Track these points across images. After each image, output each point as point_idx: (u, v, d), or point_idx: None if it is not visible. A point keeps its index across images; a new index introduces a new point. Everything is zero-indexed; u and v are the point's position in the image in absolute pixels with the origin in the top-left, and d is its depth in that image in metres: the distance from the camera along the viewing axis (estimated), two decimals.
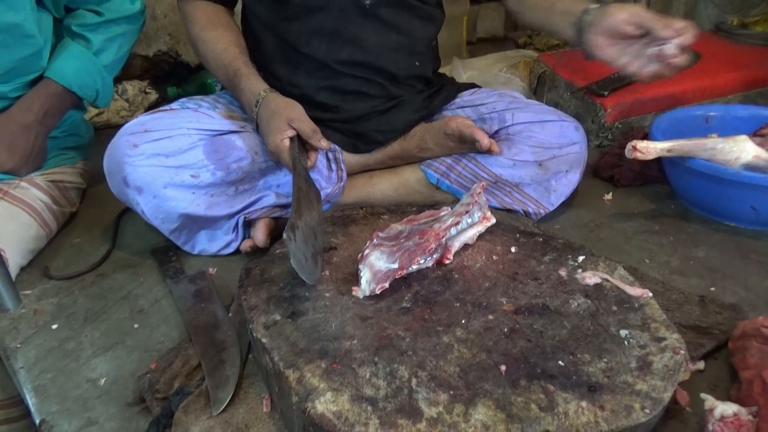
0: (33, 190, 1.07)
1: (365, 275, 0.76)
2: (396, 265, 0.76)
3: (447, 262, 0.82)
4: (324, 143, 0.94)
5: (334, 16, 1.01)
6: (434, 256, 0.81)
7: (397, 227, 0.85)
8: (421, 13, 1.06)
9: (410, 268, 0.79)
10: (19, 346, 0.84)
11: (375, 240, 0.81)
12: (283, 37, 1.04)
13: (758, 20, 1.74)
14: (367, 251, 0.79)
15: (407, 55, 1.08)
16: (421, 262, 0.80)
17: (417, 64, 1.11)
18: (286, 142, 0.92)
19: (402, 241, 0.80)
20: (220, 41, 1.03)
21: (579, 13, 0.98)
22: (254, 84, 0.98)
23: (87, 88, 1.11)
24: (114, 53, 1.15)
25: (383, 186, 1.11)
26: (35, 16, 1.04)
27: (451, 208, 0.89)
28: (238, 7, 1.13)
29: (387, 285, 0.76)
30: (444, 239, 0.81)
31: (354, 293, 0.76)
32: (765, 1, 1.72)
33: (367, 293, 0.75)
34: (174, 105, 1.02)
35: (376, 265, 0.76)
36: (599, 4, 0.97)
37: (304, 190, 0.86)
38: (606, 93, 1.45)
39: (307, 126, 0.93)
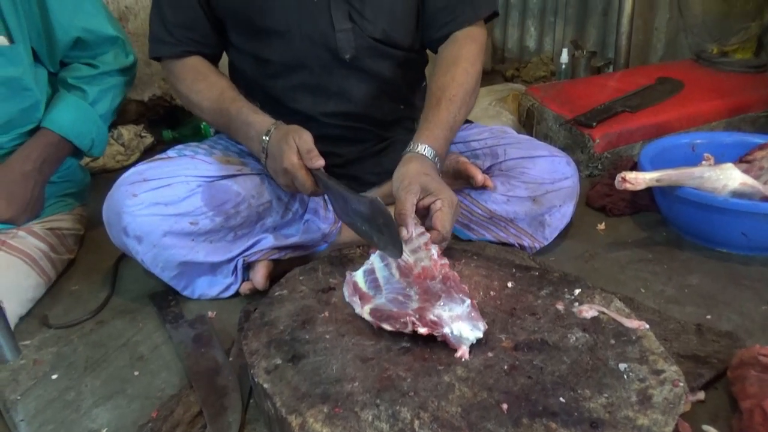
0: (30, 239, 1.08)
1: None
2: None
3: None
4: (316, 162, 0.89)
5: (316, 72, 1.03)
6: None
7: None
8: (402, 60, 1.08)
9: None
10: (19, 398, 0.84)
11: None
12: (269, 92, 1.06)
13: (737, 48, 1.79)
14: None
15: (392, 101, 1.11)
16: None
17: (402, 107, 1.13)
18: (300, 167, 0.90)
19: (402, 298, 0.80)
20: (215, 88, 1.04)
21: (409, 145, 0.94)
22: (263, 117, 0.97)
23: (83, 137, 1.13)
24: (109, 103, 1.17)
25: None
26: (33, 70, 1.07)
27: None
28: (224, 61, 1.15)
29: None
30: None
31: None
32: (743, 30, 1.77)
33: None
34: (171, 153, 1.04)
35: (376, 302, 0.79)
36: (417, 149, 0.93)
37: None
38: (594, 124, 1.48)
39: (304, 144, 0.91)
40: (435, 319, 0.73)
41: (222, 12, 1.03)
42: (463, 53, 1.03)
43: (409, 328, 0.73)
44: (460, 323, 0.73)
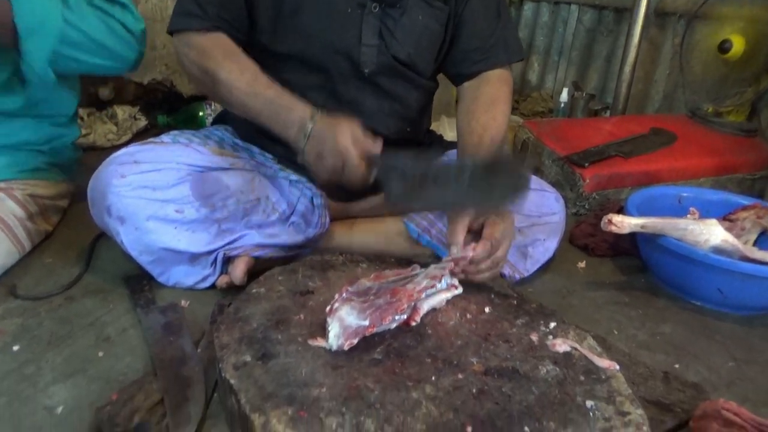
0: (9, 203, 1.05)
1: (334, 329, 0.75)
2: (366, 323, 0.75)
3: (413, 324, 0.81)
4: (376, 145, 0.91)
5: (334, 78, 1.03)
6: (403, 316, 0.80)
7: (366, 283, 0.84)
8: (417, 84, 1.10)
9: (379, 327, 0.78)
10: None
11: (344, 294, 0.79)
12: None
13: (731, 110, 1.84)
14: (336, 305, 0.78)
15: (400, 120, 1.11)
16: (390, 321, 0.79)
17: (408, 129, 1.13)
18: (355, 148, 0.88)
19: (372, 298, 0.79)
20: (248, 70, 0.97)
21: None
22: (305, 103, 0.93)
23: (27, 17, 0.94)
24: (94, 28, 1.04)
25: (364, 235, 1.12)
26: None
27: (421, 268, 0.90)
28: None
29: (355, 341, 0.74)
30: (415, 301, 0.82)
31: (319, 344, 0.75)
32: (739, 94, 1.81)
33: (335, 348, 0.74)
34: (165, 138, 1.03)
35: (346, 320, 0.75)
36: None
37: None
38: (586, 164, 1.51)
39: (358, 130, 0.90)
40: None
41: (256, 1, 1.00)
42: (500, 95, 1.08)
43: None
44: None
